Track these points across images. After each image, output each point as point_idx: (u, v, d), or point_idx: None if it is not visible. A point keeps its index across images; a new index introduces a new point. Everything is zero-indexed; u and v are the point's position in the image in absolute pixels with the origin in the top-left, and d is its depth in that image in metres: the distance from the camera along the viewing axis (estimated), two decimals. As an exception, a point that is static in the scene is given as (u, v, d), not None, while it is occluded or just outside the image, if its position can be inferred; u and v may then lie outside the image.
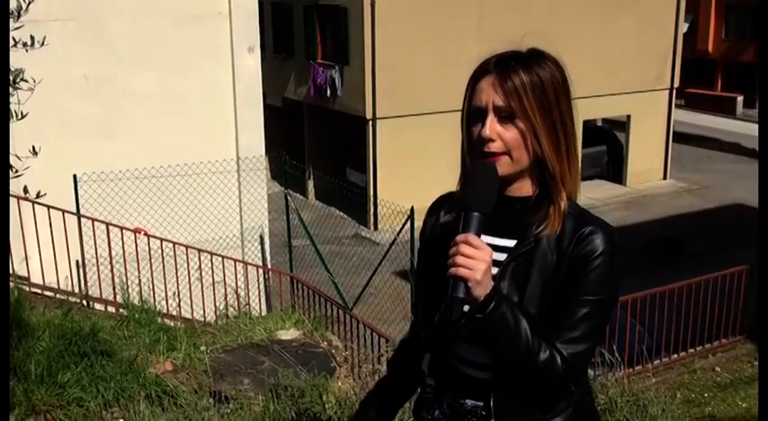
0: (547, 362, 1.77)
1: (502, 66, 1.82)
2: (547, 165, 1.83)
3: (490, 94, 1.81)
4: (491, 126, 1.80)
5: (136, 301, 8.34)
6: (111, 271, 8.71)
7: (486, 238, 1.82)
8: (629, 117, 23.82)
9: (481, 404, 1.92)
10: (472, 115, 1.85)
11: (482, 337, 1.78)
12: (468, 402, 1.94)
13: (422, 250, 2.12)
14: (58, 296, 8.14)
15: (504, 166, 1.82)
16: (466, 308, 1.73)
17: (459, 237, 1.70)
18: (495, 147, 1.81)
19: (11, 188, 4.11)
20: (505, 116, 1.80)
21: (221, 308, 9.25)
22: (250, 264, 10.32)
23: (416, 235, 10.60)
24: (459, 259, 1.68)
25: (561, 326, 1.80)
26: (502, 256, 1.86)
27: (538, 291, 1.83)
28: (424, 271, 2.09)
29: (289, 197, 11.87)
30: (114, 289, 8.66)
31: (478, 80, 1.84)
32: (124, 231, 8.83)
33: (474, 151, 1.85)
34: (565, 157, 1.84)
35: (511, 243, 1.87)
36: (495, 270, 1.83)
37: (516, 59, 1.83)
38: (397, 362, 2.26)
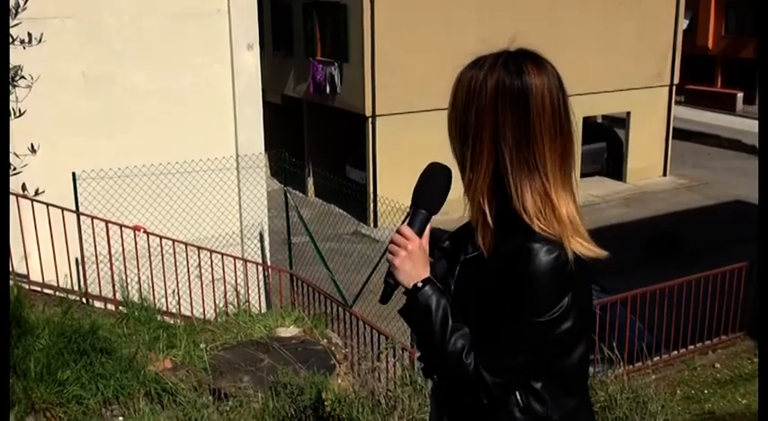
0: (459, 365, 1.78)
1: (476, 60, 1.84)
2: (474, 175, 1.80)
3: None
4: None
5: (135, 299, 8.34)
6: (111, 268, 8.71)
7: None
8: (628, 113, 23.80)
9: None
10: None
11: (405, 319, 1.91)
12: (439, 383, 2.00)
13: None
14: (57, 294, 8.13)
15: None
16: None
17: (396, 228, 1.86)
18: None
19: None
20: None
21: (221, 305, 9.25)
22: (249, 261, 10.31)
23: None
24: (389, 246, 1.86)
25: (483, 338, 1.79)
26: (419, 240, 1.93)
27: (474, 299, 1.84)
28: None
29: (288, 194, 11.85)
30: (114, 286, 8.66)
31: None
32: (123, 229, 8.83)
33: None
34: (471, 164, 1.78)
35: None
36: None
37: (484, 58, 1.81)
38: None
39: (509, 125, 1.74)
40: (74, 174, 9.09)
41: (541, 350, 1.78)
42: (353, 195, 17.29)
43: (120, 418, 5.58)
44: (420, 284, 1.83)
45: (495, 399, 1.80)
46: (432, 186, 1.88)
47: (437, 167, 1.89)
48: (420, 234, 1.86)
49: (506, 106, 1.73)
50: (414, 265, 1.83)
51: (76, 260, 8.94)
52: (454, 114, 1.82)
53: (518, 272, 1.72)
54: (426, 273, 1.85)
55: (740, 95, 33.22)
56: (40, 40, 4.37)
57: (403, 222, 1.88)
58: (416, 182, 1.89)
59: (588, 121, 23.04)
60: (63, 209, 8.37)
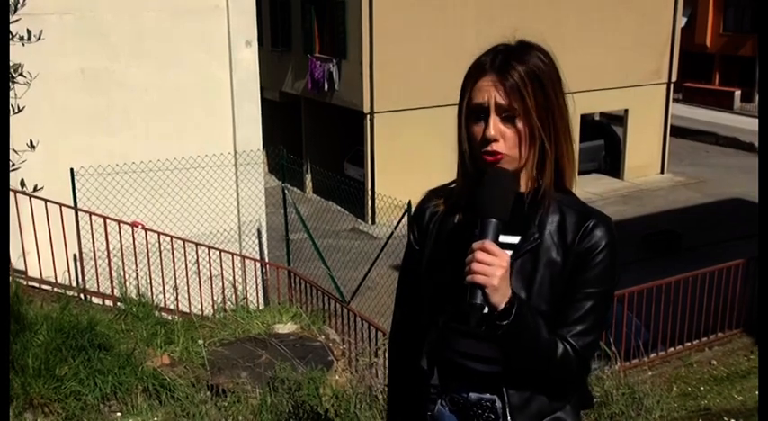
0: (563, 356, 1.82)
1: (501, 64, 1.82)
2: (549, 159, 1.85)
3: (491, 94, 1.81)
4: (495, 126, 1.81)
5: (133, 295, 8.35)
6: (109, 265, 8.71)
7: None
8: (626, 111, 23.82)
9: (487, 396, 1.93)
10: (472, 114, 1.85)
11: (505, 342, 1.79)
12: (472, 395, 1.94)
13: (414, 245, 2.10)
14: (55, 290, 8.13)
15: (505, 164, 1.83)
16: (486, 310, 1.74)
17: (476, 244, 1.71)
18: (498, 146, 1.81)
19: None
20: (507, 115, 1.81)
21: (219, 301, 9.26)
22: (247, 257, 10.32)
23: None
24: (476, 266, 1.69)
25: (570, 320, 1.84)
26: (507, 253, 1.86)
27: (546, 288, 1.85)
28: (415, 266, 2.07)
29: (286, 191, 11.86)
30: (112, 283, 8.66)
31: (477, 79, 1.84)
32: (121, 225, 8.83)
33: (475, 150, 1.86)
34: (563, 147, 1.87)
35: (514, 239, 1.88)
36: None
37: (512, 55, 1.83)
38: (408, 371, 2.12)
39: (560, 104, 1.86)
40: (72, 170, 9.09)
41: (608, 312, 1.93)
42: (351, 192, 17.28)
43: (119, 414, 5.59)
44: (514, 298, 1.74)
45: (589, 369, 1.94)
46: (500, 192, 1.77)
47: (500, 171, 1.81)
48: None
49: (552, 89, 1.85)
50: (507, 282, 1.72)
51: (74, 256, 8.95)
52: (539, 105, 1.82)
53: (592, 248, 1.84)
54: (510, 289, 1.75)
55: (738, 93, 33.26)
56: (39, 37, 4.37)
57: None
58: (481, 191, 1.79)
59: (586, 119, 23.07)
60: (61, 205, 8.37)
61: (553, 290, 1.84)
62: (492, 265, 1.68)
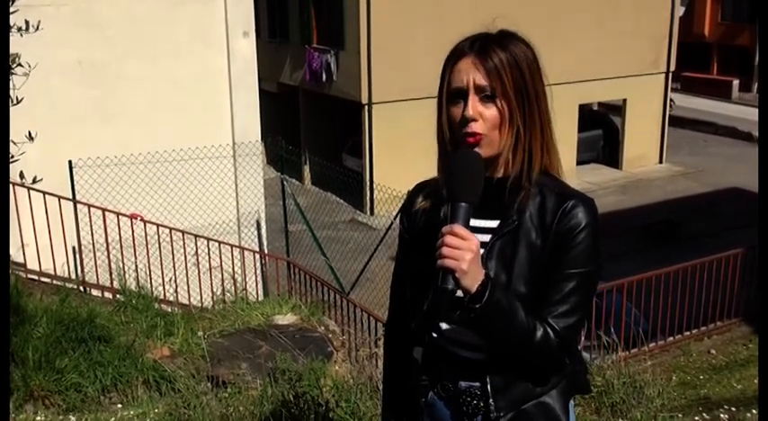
0: (542, 339, 1.80)
1: (480, 46, 1.84)
2: (523, 142, 1.86)
3: (470, 74, 1.82)
4: (473, 106, 1.82)
5: (133, 287, 8.35)
6: (108, 257, 8.70)
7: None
8: (624, 101, 23.79)
9: (476, 384, 1.93)
10: (451, 97, 1.87)
11: (479, 326, 1.78)
12: (462, 383, 1.95)
13: (405, 236, 2.11)
14: (54, 282, 8.13)
15: (484, 147, 1.83)
16: (460, 293, 1.73)
17: (445, 229, 1.71)
18: (477, 127, 1.82)
19: (6, 174, 4.10)
20: (486, 96, 1.82)
21: (218, 293, 9.26)
22: (246, 249, 10.32)
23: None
24: (445, 250, 1.68)
25: (551, 301, 1.82)
26: (486, 237, 1.87)
27: (525, 269, 1.84)
28: (407, 258, 2.09)
29: (285, 182, 11.85)
30: (111, 275, 8.66)
31: (456, 61, 1.86)
32: (120, 217, 8.82)
33: (455, 132, 1.87)
34: (539, 133, 1.87)
35: (494, 224, 1.89)
36: (481, 251, 1.84)
37: (492, 40, 1.85)
38: (402, 364, 2.10)
39: (538, 90, 1.86)
40: (70, 162, 9.08)
41: (593, 295, 1.91)
42: (350, 183, 17.28)
43: (119, 406, 5.59)
44: (487, 281, 1.72)
45: (572, 353, 1.93)
46: (468, 175, 1.76)
47: (469, 154, 1.80)
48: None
49: (530, 74, 1.85)
50: (477, 266, 1.71)
51: (74, 248, 8.94)
52: (517, 88, 1.83)
53: (572, 228, 1.82)
54: (483, 269, 1.74)
55: (736, 82, 33.19)
56: (37, 28, 4.35)
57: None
58: (449, 174, 1.79)
59: (584, 109, 23.04)
60: (60, 197, 8.36)
61: (533, 272, 1.84)
62: (461, 249, 1.67)
